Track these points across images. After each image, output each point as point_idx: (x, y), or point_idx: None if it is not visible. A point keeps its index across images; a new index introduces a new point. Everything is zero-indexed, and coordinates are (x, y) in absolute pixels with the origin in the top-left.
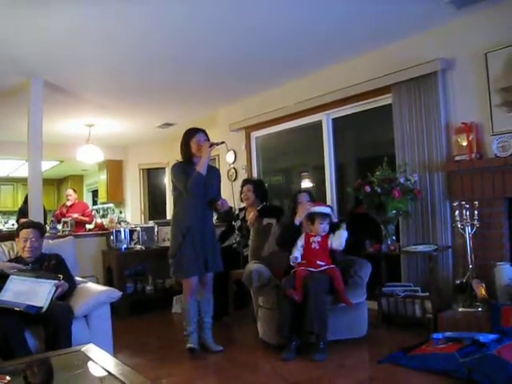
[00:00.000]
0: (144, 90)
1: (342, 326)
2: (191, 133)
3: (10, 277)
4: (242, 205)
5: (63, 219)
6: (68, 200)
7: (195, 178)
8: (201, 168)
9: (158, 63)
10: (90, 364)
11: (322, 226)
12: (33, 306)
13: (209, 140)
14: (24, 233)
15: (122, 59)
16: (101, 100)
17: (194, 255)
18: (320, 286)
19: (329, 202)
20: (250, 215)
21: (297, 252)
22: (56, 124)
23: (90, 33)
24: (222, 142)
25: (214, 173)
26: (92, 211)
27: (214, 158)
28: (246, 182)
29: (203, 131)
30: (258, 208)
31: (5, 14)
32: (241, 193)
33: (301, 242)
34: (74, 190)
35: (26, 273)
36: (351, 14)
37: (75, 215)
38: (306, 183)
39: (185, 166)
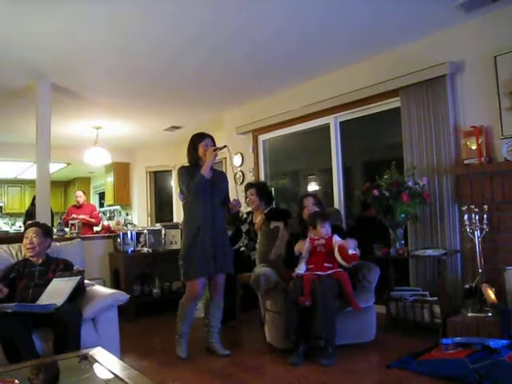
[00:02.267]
0: (151, 93)
1: (350, 330)
2: (199, 137)
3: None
4: (249, 208)
5: (70, 221)
6: (77, 201)
7: (197, 179)
8: (204, 171)
9: (166, 66)
10: (97, 367)
11: (325, 229)
12: (46, 305)
13: (215, 145)
14: (27, 232)
15: (130, 63)
16: (108, 102)
17: (203, 256)
18: (328, 290)
19: (336, 205)
20: (258, 219)
21: (300, 267)
22: (64, 126)
23: (99, 36)
24: (225, 146)
25: (221, 176)
26: (99, 213)
27: (221, 161)
28: (249, 186)
29: (210, 136)
30: (265, 211)
31: (13, 15)
32: (245, 197)
33: (306, 244)
34: (84, 192)
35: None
36: (359, 17)
37: (82, 216)
38: (313, 186)
39: (190, 170)
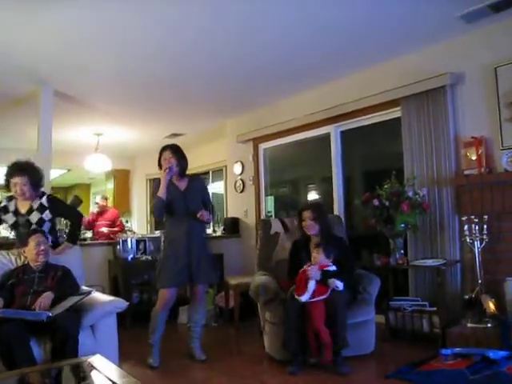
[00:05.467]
0: (153, 100)
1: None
2: (161, 150)
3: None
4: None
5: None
6: (96, 208)
7: (155, 203)
8: (160, 192)
9: (168, 74)
10: (95, 375)
11: (321, 257)
12: (37, 313)
13: (175, 155)
14: (34, 238)
15: (131, 69)
16: (110, 109)
17: (174, 268)
18: (343, 306)
19: (336, 213)
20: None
21: (305, 295)
22: (65, 132)
23: (102, 43)
24: (167, 168)
25: (194, 186)
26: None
27: (221, 170)
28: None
29: (169, 148)
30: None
31: (16, 22)
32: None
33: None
34: (104, 198)
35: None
36: (360, 28)
37: (105, 229)
38: (313, 195)
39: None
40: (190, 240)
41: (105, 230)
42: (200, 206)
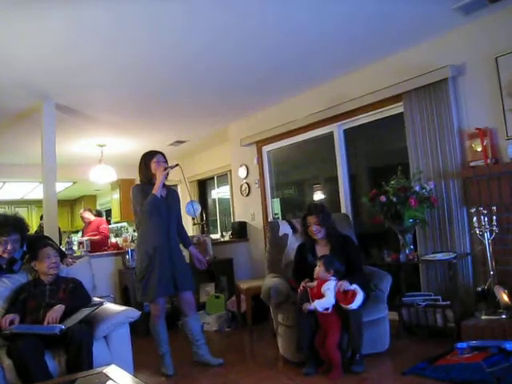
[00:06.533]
0: (154, 109)
1: (364, 341)
2: (150, 154)
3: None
4: None
5: (78, 240)
6: (83, 222)
7: (149, 201)
8: (156, 191)
9: (170, 82)
10: None
11: (321, 270)
12: (50, 327)
13: (167, 162)
14: (45, 251)
15: (132, 79)
16: (111, 120)
17: (161, 276)
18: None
19: (343, 211)
20: None
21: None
22: (68, 145)
23: (99, 53)
24: (177, 165)
25: (174, 196)
26: (108, 228)
27: (226, 174)
28: None
29: (161, 153)
30: None
31: (17, 39)
32: None
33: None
34: (89, 210)
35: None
36: (358, 24)
37: (85, 237)
38: (319, 195)
39: (144, 188)
40: (172, 246)
41: (85, 238)
42: (178, 216)
